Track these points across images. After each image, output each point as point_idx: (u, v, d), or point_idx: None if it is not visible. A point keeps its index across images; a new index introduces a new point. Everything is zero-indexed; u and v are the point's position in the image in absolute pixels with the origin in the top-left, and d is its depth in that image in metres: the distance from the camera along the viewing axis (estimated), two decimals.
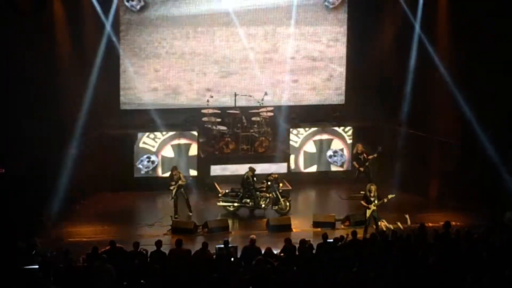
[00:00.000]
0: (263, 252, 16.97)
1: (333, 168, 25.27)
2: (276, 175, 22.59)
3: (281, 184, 22.61)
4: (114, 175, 23.59)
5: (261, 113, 24.52)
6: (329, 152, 25.19)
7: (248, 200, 22.31)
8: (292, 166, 24.84)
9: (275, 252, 17.17)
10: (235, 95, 24.61)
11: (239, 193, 22.33)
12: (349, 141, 25.04)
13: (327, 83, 25.77)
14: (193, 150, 24.31)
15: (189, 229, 21.02)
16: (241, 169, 23.11)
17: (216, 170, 24.25)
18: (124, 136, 24.02)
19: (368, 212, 20.46)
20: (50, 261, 16.39)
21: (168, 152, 24.17)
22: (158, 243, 16.97)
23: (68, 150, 22.00)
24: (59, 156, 21.69)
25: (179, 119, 24.74)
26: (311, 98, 25.79)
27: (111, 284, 15.37)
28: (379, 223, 20.62)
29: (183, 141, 24.24)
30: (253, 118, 24.52)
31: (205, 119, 24.44)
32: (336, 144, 25.10)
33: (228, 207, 22.42)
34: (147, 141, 23.95)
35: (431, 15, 23.54)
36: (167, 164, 23.81)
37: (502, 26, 21.76)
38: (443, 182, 23.40)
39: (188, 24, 24.67)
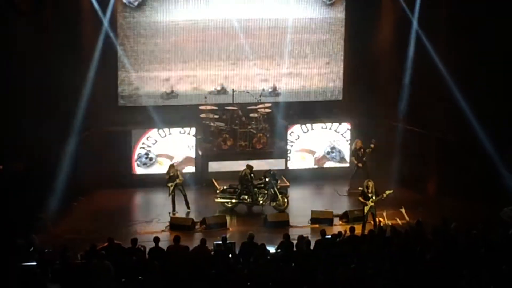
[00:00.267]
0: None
1: (331, 164, 25.29)
2: (274, 171, 22.61)
3: (279, 181, 22.62)
4: (113, 172, 23.60)
5: (259, 110, 24.50)
6: (327, 148, 25.21)
7: (246, 197, 22.32)
8: (290, 162, 24.86)
9: (272, 248, 17.21)
10: (233, 91, 24.61)
11: (237, 190, 22.33)
12: (347, 137, 25.07)
13: (324, 79, 25.75)
14: (191, 147, 24.32)
15: (187, 225, 21.02)
16: (239, 165, 23.09)
17: (214, 166, 24.25)
18: (122, 133, 24.02)
19: (366, 209, 20.49)
20: (47, 258, 16.40)
21: (166, 149, 24.18)
22: (156, 240, 17.00)
23: (66, 148, 21.98)
24: (57, 154, 21.67)
25: (177, 115, 24.72)
26: (309, 94, 25.78)
27: (109, 281, 15.38)
28: (377, 219, 20.63)
29: (181, 137, 24.25)
30: (251, 115, 24.51)
31: (203, 115, 24.43)
32: (334, 140, 25.12)
33: (226, 204, 22.43)
34: (146, 138, 24.00)
35: (428, 11, 23.51)
36: (165, 161, 23.83)
37: (500, 22, 21.73)
38: (441, 178, 23.42)
39: (185, 20, 24.62)
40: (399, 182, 23.21)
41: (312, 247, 17.11)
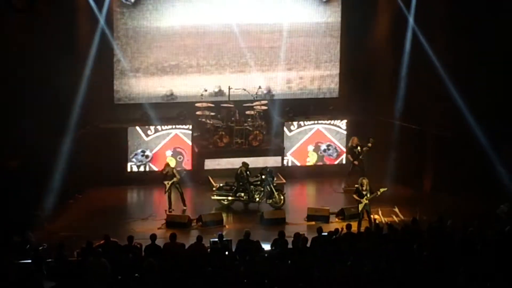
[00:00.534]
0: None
1: (328, 161, 25.30)
2: (270, 169, 22.61)
3: (275, 178, 22.62)
4: (109, 170, 23.56)
5: (255, 107, 24.49)
6: (324, 146, 25.21)
7: (243, 194, 22.32)
8: (286, 159, 24.87)
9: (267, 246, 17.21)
10: (229, 88, 24.58)
11: (233, 187, 22.33)
12: (344, 135, 25.07)
13: (321, 77, 25.73)
14: (187, 144, 24.31)
15: (183, 223, 21.02)
16: (236, 162, 23.10)
17: (210, 164, 24.24)
18: (118, 131, 24.00)
19: (360, 206, 20.47)
20: (42, 255, 16.39)
21: (162, 146, 24.16)
22: (153, 237, 16.97)
23: (62, 145, 21.95)
24: (53, 151, 21.63)
25: (173, 113, 24.69)
26: (305, 92, 25.76)
27: (105, 278, 15.37)
28: (372, 216, 20.63)
29: (176, 135, 24.24)
30: (247, 112, 24.50)
31: (199, 113, 24.41)
32: (331, 138, 25.14)
33: (222, 201, 22.42)
34: (142, 135, 23.98)
35: (425, 8, 23.51)
36: (161, 159, 23.82)
37: (496, 19, 21.74)
38: (437, 175, 23.44)
39: (182, 18, 24.59)
40: (395, 179, 23.21)
41: (308, 244, 17.10)
